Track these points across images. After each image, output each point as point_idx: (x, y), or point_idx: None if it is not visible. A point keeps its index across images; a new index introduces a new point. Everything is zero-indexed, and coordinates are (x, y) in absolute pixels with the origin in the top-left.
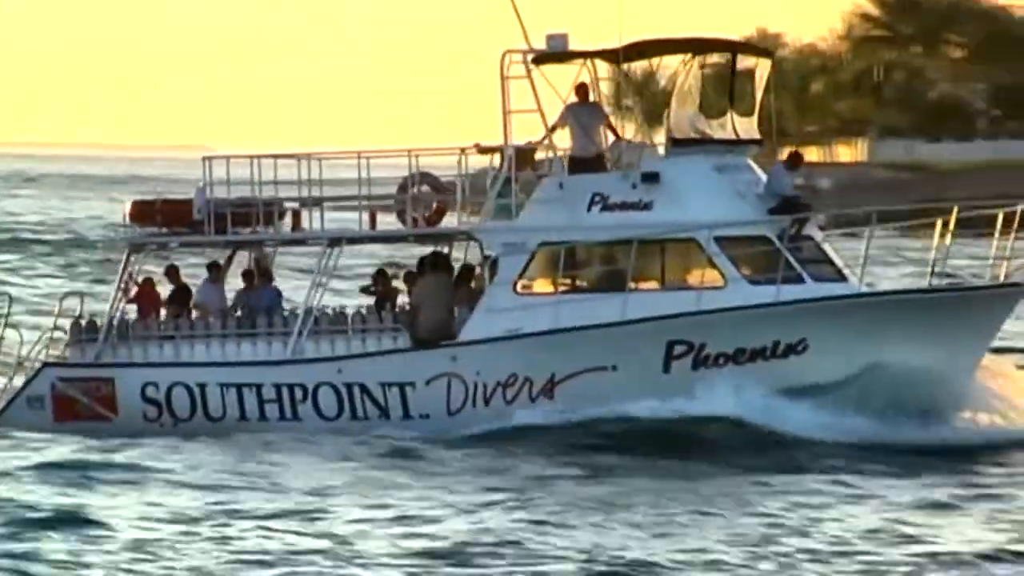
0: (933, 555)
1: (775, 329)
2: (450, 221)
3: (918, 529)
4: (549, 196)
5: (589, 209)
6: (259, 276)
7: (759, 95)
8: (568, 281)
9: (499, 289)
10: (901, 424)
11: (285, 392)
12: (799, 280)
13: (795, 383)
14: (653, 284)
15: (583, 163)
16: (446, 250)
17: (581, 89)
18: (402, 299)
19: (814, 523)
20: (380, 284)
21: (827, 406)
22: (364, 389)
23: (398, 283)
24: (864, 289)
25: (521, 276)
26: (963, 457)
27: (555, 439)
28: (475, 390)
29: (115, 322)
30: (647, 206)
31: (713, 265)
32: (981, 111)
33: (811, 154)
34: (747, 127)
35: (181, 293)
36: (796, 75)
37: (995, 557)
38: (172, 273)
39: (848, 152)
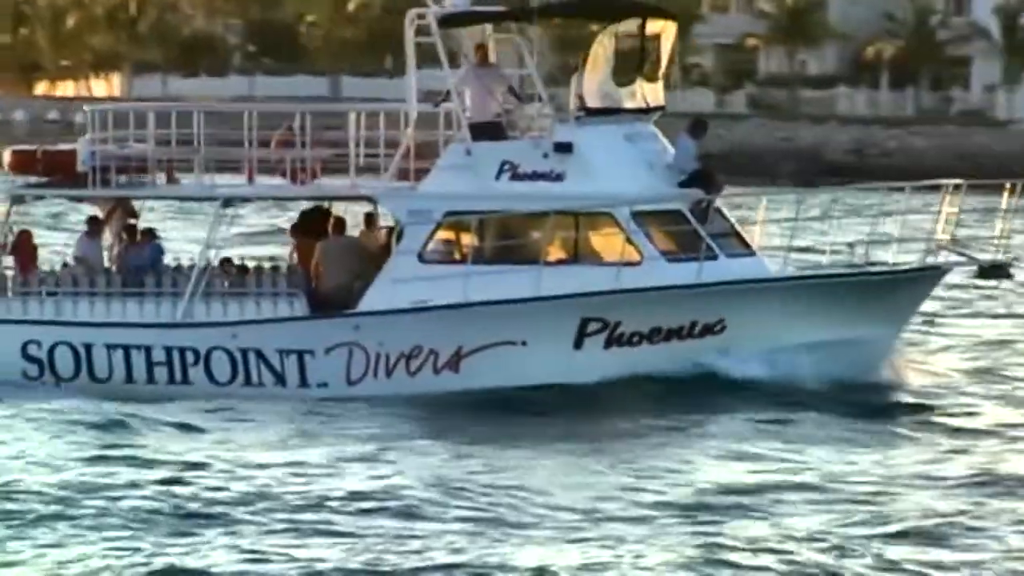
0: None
1: (694, 309)
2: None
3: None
4: (455, 163)
5: (498, 177)
6: (141, 232)
7: (664, 60)
8: (477, 252)
9: (404, 258)
10: None
11: (176, 355)
12: (713, 257)
13: (711, 363)
14: (566, 258)
15: (481, 128)
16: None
17: (480, 50)
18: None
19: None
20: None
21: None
22: (260, 355)
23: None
24: (786, 270)
25: (426, 245)
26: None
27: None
28: (377, 360)
29: None
30: (559, 176)
31: (630, 241)
32: (236, 46)
33: (67, 89)
34: (654, 94)
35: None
36: (50, 9)
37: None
38: None
39: (104, 87)
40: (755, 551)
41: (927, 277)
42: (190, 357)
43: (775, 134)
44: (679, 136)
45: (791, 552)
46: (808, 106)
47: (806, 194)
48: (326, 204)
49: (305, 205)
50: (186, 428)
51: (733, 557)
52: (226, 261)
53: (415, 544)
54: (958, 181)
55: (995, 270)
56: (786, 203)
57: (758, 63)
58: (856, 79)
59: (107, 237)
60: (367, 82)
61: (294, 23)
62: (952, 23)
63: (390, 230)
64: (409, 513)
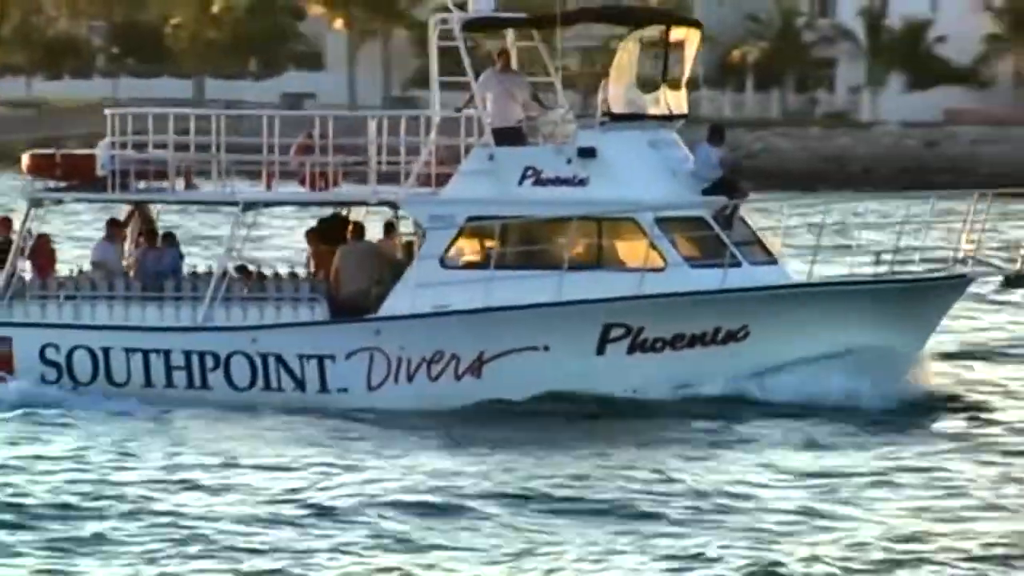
0: None
1: (718, 316)
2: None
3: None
4: (478, 168)
5: (520, 183)
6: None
7: (688, 68)
8: (500, 257)
9: (426, 263)
10: None
11: (195, 359)
12: (737, 264)
13: (734, 370)
14: (589, 263)
15: (504, 133)
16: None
17: (503, 56)
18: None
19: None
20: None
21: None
22: (280, 360)
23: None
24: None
25: (448, 250)
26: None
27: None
28: (398, 365)
29: (13, 280)
30: (582, 182)
31: (653, 247)
32: (100, 48)
33: None
34: (677, 101)
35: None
36: None
37: None
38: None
39: None
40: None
41: (952, 286)
42: (210, 362)
43: None
44: (697, 144)
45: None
46: None
47: (830, 201)
48: (345, 210)
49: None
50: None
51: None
52: (242, 267)
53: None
54: (987, 191)
55: (1020, 280)
56: (807, 210)
57: None
58: (722, 82)
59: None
60: (231, 84)
61: (159, 25)
62: (817, 25)
63: (408, 244)
64: (451, 511)
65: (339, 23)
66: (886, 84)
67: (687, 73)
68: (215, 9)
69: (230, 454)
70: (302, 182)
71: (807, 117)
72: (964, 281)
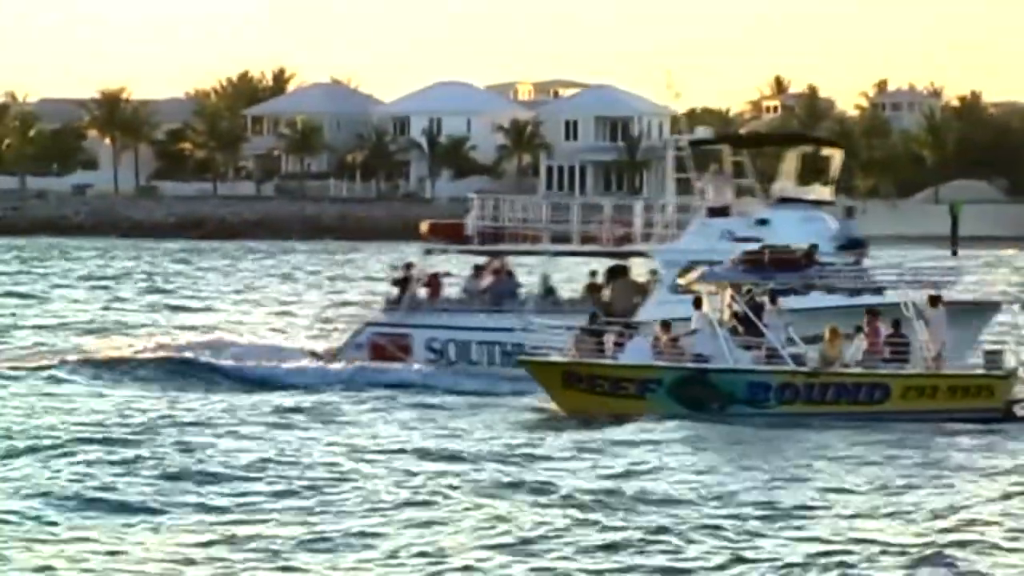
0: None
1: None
2: None
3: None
4: (696, 231)
5: (720, 240)
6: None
7: (833, 172)
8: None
9: (663, 289)
10: None
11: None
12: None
13: None
14: None
15: (714, 210)
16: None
17: (718, 162)
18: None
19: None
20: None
21: None
22: None
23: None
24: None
25: (675, 282)
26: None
27: None
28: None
29: (414, 298)
30: (759, 240)
31: None
32: None
33: None
34: (825, 193)
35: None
36: None
37: None
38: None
39: None
40: None
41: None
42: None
43: (291, 208)
44: (841, 218)
45: None
46: (312, 191)
47: None
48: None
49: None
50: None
51: None
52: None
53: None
54: None
55: None
56: None
57: (282, 164)
58: (341, 174)
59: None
60: (40, 179)
61: None
62: (398, 140)
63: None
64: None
65: (107, 140)
66: (440, 175)
67: (832, 176)
68: (31, 134)
69: None
70: (594, 240)
71: (393, 196)
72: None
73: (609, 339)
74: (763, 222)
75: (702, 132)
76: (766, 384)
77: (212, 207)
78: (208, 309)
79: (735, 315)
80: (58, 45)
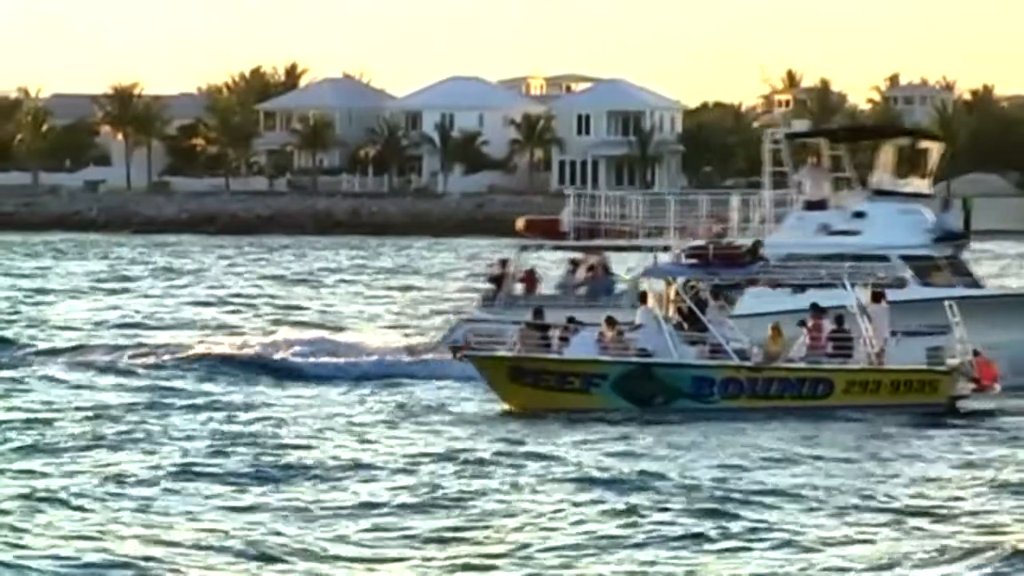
0: None
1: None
2: None
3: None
4: (792, 224)
5: (817, 233)
6: (600, 268)
7: (931, 165)
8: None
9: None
10: None
11: None
12: (952, 287)
13: None
14: None
15: (811, 203)
16: None
17: (815, 155)
18: None
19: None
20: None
21: None
22: None
23: None
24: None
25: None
26: None
27: None
28: None
29: (510, 294)
30: (856, 233)
31: None
32: None
33: None
34: (923, 185)
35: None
36: None
37: None
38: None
39: None
40: None
41: None
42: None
43: (303, 203)
44: (939, 211)
45: None
46: (324, 186)
47: None
48: None
49: None
50: None
51: None
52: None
53: None
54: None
55: None
56: None
57: (294, 159)
58: (353, 169)
59: (580, 273)
60: (53, 175)
61: (8, 139)
62: (410, 135)
63: None
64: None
65: (119, 136)
66: (452, 171)
67: (930, 168)
68: (44, 130)
69: None
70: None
71: (405, 191)
72: None
73: (554, 334)
74: (860, 215)
75: (799, 125)
76: (710, 379)
77: (224, 203)
78: (299, 308)
79: (679, 311)
80: (70, 41)
